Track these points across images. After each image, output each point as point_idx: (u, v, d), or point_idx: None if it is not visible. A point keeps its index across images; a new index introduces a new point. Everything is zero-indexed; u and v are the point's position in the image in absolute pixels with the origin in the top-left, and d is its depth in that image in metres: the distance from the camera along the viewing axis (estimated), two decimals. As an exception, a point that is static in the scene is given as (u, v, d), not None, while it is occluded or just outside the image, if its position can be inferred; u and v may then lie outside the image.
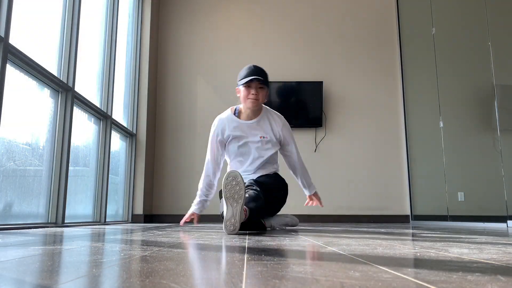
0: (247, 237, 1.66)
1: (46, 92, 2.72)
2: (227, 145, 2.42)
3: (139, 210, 4.29)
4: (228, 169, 2.44)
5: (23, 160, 2.45)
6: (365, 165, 4.75)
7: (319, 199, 2.67)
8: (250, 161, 2.38)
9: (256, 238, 1.59)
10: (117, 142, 4.05)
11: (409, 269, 0.71)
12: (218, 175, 2.47)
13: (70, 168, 2.88)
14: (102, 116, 3.57)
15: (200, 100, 4.91)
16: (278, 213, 2.47)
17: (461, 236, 1.72)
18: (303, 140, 4.67)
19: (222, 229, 2.38)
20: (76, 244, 1.26)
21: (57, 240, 1.46)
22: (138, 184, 4.31)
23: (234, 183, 1.79)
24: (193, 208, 2.46)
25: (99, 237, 1.61)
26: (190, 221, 2.48)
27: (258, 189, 2.12)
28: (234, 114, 2.40)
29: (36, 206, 2.59)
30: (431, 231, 2.33)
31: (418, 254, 0.99)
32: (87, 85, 3.36)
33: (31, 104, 2.54)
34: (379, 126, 4.83)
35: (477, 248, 1.14)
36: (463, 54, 4.19)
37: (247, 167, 2.39)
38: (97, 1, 3.65)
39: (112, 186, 3.84)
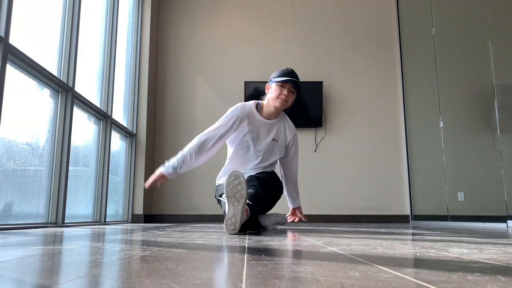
0: (247, 237, 1.66)
1: (46, 92, 2.72)
2: (237, 135, 2.30)
3: (139, 210, 4.29)
4: (229, 161, 2.38)
5: (23, 160, 2.45)
6: (365, 165, 4.75)
7: (302, 213, 2.62)
8: (257, 161, 2.32)
9: (256, 238, 1.59)
10: (117, 142, 4.05)
11: (409, 269, 0.71)
12: (210, 155, 2.27)
13: (70, 168, 2.88)
14: (102, 116, 3.57)
15: (200, 100, 4.91)
16: (270, 212, 2.45)
17: (461, 236, 1.72)
18: (303, 140, 4.67)
19: (223, 229, 2.38)
20: (76, 244, 1.26)
21: (57, 240, 1.46)
22: (138, 184, 4.31)
23: (236, 182, 1.78)
24: (166, 171, 2.16)
25: (99, 237, 1.61)
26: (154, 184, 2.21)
27: (257, 183, 2.12)
28: (256, 108, 2.35)
29: (36, 206, 2.59)
30: (431, 231, 2.32)
31: (418, 254, 0.99)
32: (87, 85, 3.36)
33: (31, 104, 2.54)
34: (379, 126, 4.83)
35: (477, 248, 1.14)
36: (463, 54, 4.19)
37: (251, 166, 2.33)
38: (97, 1, 3.65)
39: (112, 186, 3.84)
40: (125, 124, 4.21)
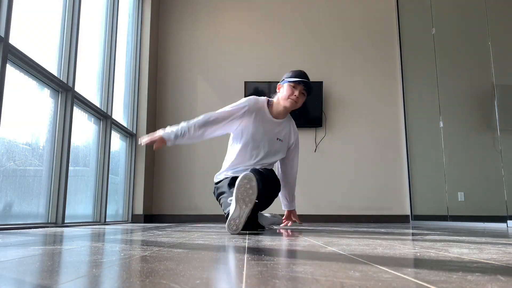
0: (247, 237, 1.66)
1: (46, 92, 2.72)
2: (242, 129, 2.29)
3: (139, 210, 4.29)
4: (231, 156, 2.35)
5: (23, 160, 2.45)
6: (365, 165, 4.75)
7: (296, 217, 2.61)
8: (258, 158, 2.31)
9: (256, 238, 1.59)
10: (117, 142, 4.05)
11: (409, 269, 0.71)
12: (211, 134, 2.24)
13: (70, 168, 2.88)
14: (102, 116, 3.57)
15: (200, 100, 4.91)
16: (266, 213, 2.45)
17: (461, 236, 1.72)
18: (303, 140, 4.67)
19: (223, 229, 2.38)
20: (76, 244, 1.26)
21: (57, 240, 1.46)
22: (138, 184, 4.31)
23: (248, 186, 1.79)
24: (167, 136, 2.13)
25: (99, 237, 1.61)
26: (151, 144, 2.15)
27: (259, 177, 2.11)
28: (267, 105, 2.36)
29: (36, 206, 2.59)
30: (431, 231, 2.33)
31: (418, 254, 0.99)
32: (87, 85, 3.36)
33: (31, 104, 2.54)
34: (379, 126, 4.83)
35: (477, 248, 1.14)
36: (463, 54, 4.19)
37: (253, 162, 2.31)
38: (97, 1, 3.65)
39: (112, 186, 3.84)
40: (125, 124, 4.21)
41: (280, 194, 2.55)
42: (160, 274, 0.64)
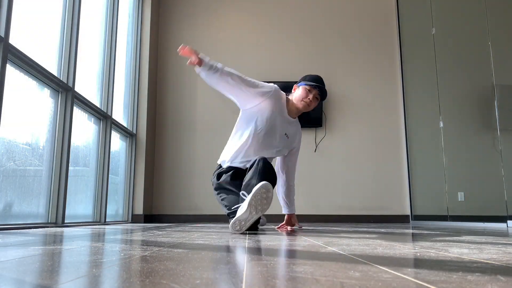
0: (247, 237, 1.66)
1: (46, 92, 2.72)
2: (262, 110, 2.30)
3: (139, 210, 4.29)
4: (237, 143, 2.33)
5: (23, 160, 2.45)
6: (365, 165, 4.75)
7: (297, 221, 2.61)
8: (267, 147, 2.33)
9: (256, 238, 1.59)
10: (117, 142, 4.05)
11: (409, 269, 0.71)
12: (226, 88, 2.26)
13: (70, 168, 2.88)
14: (102, 116, 3.57)
15: (200, 100, 4.91)
16: None
17: (461, 236, 1.72)
18: (303, 140, 4.66)
19: (223, 229, 2.38)
20: (76, 244, 1.26)
21: (57, 240, 1.46)
22: (138, 184, 4.31)
23: (264, 196, 1.84)
24: (204, 58, 2.20)
25: (99, 237, 1.61)
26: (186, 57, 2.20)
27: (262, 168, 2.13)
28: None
29: (36, 206, 2.59)
30: (431, 231, 2.33)
31: (418, 254, 0.99)
32: (87, 85, 3.36)
33: (31, 104, 2.54)
34: (379, 126, 4.83)
35: (477, 248, 1.14)
36: (463, 54, 4.19)
37: (261, 151, 2.32)
38: (97, 1, 3.65)
39: (112, 186, 3.84)
40: (125, 124, 4.21)
41: (279, 197, 2.55)
42: (160, 274, 0.64)
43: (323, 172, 4.72)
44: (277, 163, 2.56)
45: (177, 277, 0.62)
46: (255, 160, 2.16)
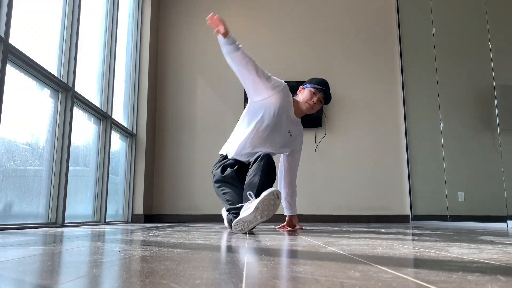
0: (247, 237, 1.66)
1: (46, 92, 2.72)
2: (271, 104, 2.32)
3: (139, 210, 4.29)
4: (243, 135, 2.34)
5: (23, 160, 2.45)
6: (365, 165, 4.75)
7: (297, 222, 2.61)
8: (272, 143, 2.35)
9: (256, 238, 1.59)
10: (117, 142, 4.05)
11: (409, 269, 0.71)
12: (243, 67, 2.24)
13: (70, 168, 2.88)
14: (102, 116, 3.57)
15: (200, 100, 4.91)
16: None
17: (461, 236, 1.72)
18: (303, 140, 4.67)
19: (223, 229, 2.38)
20: (76, 244, 1.26)
21: (57, 240, 1.46)
22: (138, 184, 4.31)
23: (272, 202, 1.86)
24: (229, 32, 2.21)
25: (99, 237, 1.61)
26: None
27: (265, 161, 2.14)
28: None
29: (36, 206, 2.59)
30: (431, 231, 2.33)
31: (418, 254, 0.99)
32: (87, 85, 3.36)
33: (31, 104, 2.54)
34: (379, 126, 4.83)
35: (477, 248, 1.14)
36: (463, 54, 4.19)
37: (266, 145, 2.33)
38: (97, 1, 3.65)
39: (112, 186, 3.84)
40: (125, 124, 4.21)
41: (282, 198, 2.55)
42: (160, 274, 0.64)
43: (323, 172, 4.72)
44: (280, 165, 2.56)
45: (177, 277, 0.62)
46: (259, 156, 2.17)
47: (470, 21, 4.15)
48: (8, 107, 2.24)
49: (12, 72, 2.32)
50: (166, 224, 3.52)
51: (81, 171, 3.27)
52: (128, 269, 0.72)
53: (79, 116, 3.16)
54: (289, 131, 2.42)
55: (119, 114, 4.11)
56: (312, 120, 4.73)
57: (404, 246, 1.22)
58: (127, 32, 4.39)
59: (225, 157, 2.39)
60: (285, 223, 2.59)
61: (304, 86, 2.45)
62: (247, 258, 0.88)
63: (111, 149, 3.71)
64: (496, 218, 3.39)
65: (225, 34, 2.18)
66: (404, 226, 3.36)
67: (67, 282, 0.58)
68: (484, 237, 1.65)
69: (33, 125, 2.57)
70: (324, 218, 4.57)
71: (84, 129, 3.28)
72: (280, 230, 2.40)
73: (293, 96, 2.47)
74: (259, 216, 1.85)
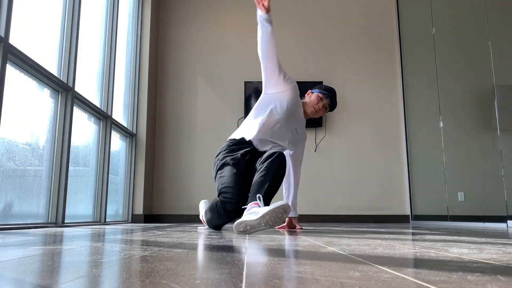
0: (247, 237, 1.66)
1: (46, 92, 2.72)
2: (283, 99, 2.37)
3: (139, 210, 4.29)
4: (254, 127, 2.37)
5: (23, 160, 2.45)
6: (365, 165, 4.75)
7: (297, 223, 2.60)
8: (279, 137, 2.39)
9: (256, 238, 1.59)
10: (117, 142, 4.05)
11: (409, 269, 0.71)
12: (268, 44, 2.38)
13: (70, 168, 2.88)
14: (102, 116, 3.57)
15: (200, 100, 4.91)
16: None
17: (461, 236, 1.72)
18: (303, 140, 4.67)
19: (224, 228, 2.38)
20: (76, 244, 1.26)
21: (57, 240, 1.46)
22: (138, 184, 4.31)
23: (280, 215, 1.87)
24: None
25: (99, 237, 1.61)
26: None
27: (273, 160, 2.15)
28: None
29: (36, 206, 2.59)
30: (431, 231, 2.33)
31: (418, 254, 0.99)
32: (87, 85, 3.36)
33: (31, 104, 2.54)
34: (379, 126, 4.83)
35: (477, 248, 1.14)
36: (463, 54, 4.19)
37: (272, 136, 2.36)
38: (97, 1, 3.65)
39: (112, 186, 3.84)
40: (125, 124, 4.21)
41: (284, 199, 2.56)
42: (160, 274, 0.64)
43: (323, 172, 4.72)
44: None
45: (177, 277, 0.62)
46: (274, 154, 2.15)
47: (470, 21, 4.15)
48: (8, 107, 2.24)
49: (12, 72, 2.32)
50: (166, 224, 3.52)
51: (81, 171, 3.27)
52: (128, 269, 0.72)
53: (79, 116, 3.16)
54: (296, 129, 2.47)
55: (119, 114, 4.11)
56: (312, 120, 4.73)
57: (404, 246, 1.22)
58: (127, 32, 4.39)
59: (236, 142, 2.39)
60: (285, 223, 2.59)
61: (313, 91, 2.56)
62: (247, 258, 0.88)
63: (111, 149, 3.71)
64: (496, 218, 3.39)
65: (267, 10, 2.32)
66: (404, 226, 3.36)
67: (67, 282, 0.58)
68: (484, 237, 1.65)
69: (33, 125, 2.57)
70: (324, 218, 4.57)
71: (84, 129, 3.28)
72: (280, 230, 2.41)
73: (301, 99, 2.55)
74: (263, 224, 1.87)
